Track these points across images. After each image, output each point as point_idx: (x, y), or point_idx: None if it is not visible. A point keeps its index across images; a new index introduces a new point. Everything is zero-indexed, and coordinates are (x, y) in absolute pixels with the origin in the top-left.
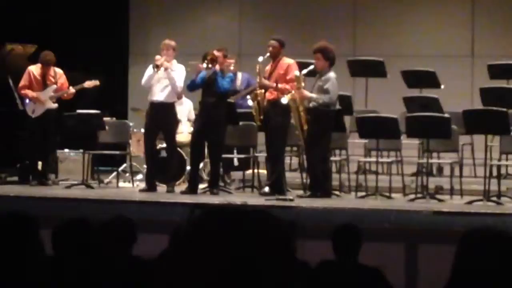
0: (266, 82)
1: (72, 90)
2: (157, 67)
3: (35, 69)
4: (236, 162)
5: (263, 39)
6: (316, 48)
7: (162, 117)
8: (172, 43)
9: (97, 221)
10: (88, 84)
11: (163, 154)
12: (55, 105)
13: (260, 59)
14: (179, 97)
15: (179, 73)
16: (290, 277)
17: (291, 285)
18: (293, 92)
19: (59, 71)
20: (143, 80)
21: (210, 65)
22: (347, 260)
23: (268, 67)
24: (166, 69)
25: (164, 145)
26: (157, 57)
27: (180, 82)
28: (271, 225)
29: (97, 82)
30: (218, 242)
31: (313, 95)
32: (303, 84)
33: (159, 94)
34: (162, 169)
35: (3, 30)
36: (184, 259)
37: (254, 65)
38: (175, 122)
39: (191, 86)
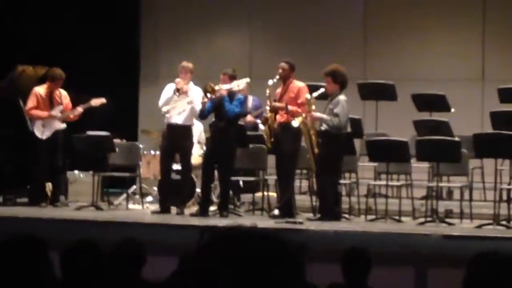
0: (276, 104)
1: (79, 109)
2: (178, 90)
3: (41, 90)
4: (241, 185)
5: (273, 63)
6: (326, 71)
7: (179, 139)
8: (190, 65)
9: (107, 244)
10: (95, 102)
11: (174, 176)
12: (63, 126)
13: (270, 82)
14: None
15: (197, 95)
16: None
17: None
18: (303, 115)
19: (63, 92)
20: (161, 102)
21: (212, 96)
22: (356, 283)
23: (278, 90)
24: (185, 92)
25: (175, 167)
26: (177, 80)
27: (198, 105)
28: (281, 249)
29: (104, 99)
30: (227, 266)
31: (323, 116)
32: (313, 107)
33: (177, 117)
34: (173, 191)
35: (14, 51)
36: (193, 282)
37: (264, 88)
38: (191, 145)
39: (201, 116)
